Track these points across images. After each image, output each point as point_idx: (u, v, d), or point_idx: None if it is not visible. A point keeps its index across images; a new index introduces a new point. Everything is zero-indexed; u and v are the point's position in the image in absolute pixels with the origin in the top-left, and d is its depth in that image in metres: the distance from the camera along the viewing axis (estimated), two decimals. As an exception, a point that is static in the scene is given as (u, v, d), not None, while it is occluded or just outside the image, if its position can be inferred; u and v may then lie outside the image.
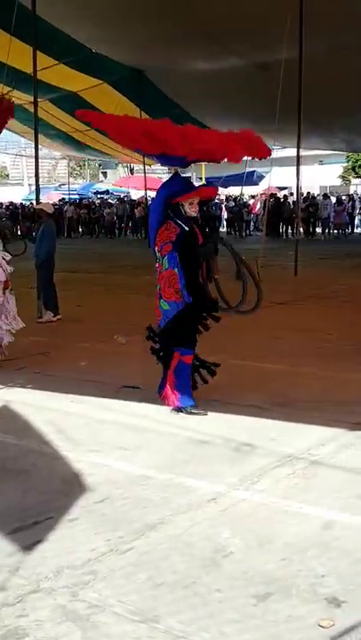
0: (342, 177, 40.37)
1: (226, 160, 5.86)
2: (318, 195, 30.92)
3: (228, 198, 33.51)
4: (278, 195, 31.41)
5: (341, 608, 2.82)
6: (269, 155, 6.21)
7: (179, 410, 5.50)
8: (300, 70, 13.71)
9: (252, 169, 29.98)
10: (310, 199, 29.32)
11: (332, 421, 5.19)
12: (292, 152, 16.31)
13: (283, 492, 3.97)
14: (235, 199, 32.31)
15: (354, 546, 3.31)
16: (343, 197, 30.19)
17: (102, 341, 8.23)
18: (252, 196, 34.69)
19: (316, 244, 24.83)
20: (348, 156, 37.23)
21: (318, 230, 28.99)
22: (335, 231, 29.18)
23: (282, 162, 25.58)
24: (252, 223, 32.02)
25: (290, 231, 27.83)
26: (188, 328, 5.56)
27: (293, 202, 25.59)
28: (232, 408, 5.53)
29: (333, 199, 29.29)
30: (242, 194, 32.44)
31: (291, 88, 13.42)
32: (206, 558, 3.23)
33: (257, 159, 6.20)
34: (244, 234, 30.59)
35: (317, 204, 28.93)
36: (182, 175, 5.94)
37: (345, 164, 39.11)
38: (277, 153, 23.50)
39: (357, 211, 29.88)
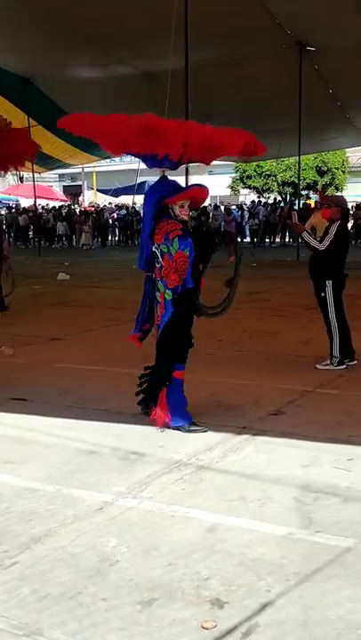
0: (231, 187, 41.26)
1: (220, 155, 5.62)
2: (213, 205, 31.56)
3: (119, 207, 33.59)
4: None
5: (224, 609, 2.88)
6: (264, 151, 5.71)
7: (172, 428, 5.23)
8: (187, 80, 13.96)
9: (142, 179, 30.17)
10: (201, 209, 29.80)
11: (220, 426, 5.29)
12: (181, 162, 16.58)
13: (170, 498, 4.02)
14: (126, 207, 32.43)
15: (237, 547, 3.39)
16: (233, 207, 30.91)
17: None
18: (144, 206, 34.89)
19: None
20: (236, 167, 38.11)
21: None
22: (225, 240, 29.75)
23: (172, 172, 25.89)
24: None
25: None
26: (182, 338, 5.31)
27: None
28: (120, 417, 5.54)
29: (222, 208, 29.96)
30: (134, 203, 32.62)
31: (178, 97, 13.65)
32: (92, 568, 3.22)
33: (247, 158, 5.72)
34: (136, 242, 30.67)
35: (209, 213, 29.48)
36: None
37: (233, 175, 40.01)
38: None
39: (246, 220, 30.65)
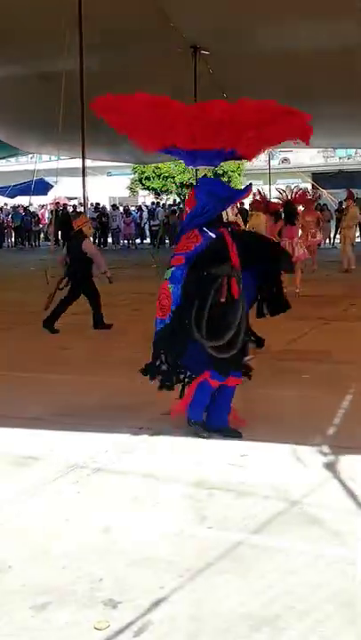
0: (130, 188, 41.29)
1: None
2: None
3: (15, 208, 32.96)
4: (68, 205, 31.55)
5: (117, 609, 2.90)
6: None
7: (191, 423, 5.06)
8: (82, 82, 13.87)
9: (39, 177, 29.74)
10: (101, 209, 29.74)
11: (116, 427, 5.29)
12: (79, 163, 16.47)
13: (64, 501, 3.99)
14: (25, 209, 31.89)
15: (130, 547, 3.41)
16: (132, 208, 30.96)
17: None
18: (42, 206, 34.43)
19: (108, 253, 25.16)
20: (134, 168, 38.16)
21: (110, 240, 29.51)
22: (125, 241, 29.82)
23: (70, 172, 25.70)
24: (41, 234, 31.83)
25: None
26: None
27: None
28: (14, 421, 5.44)
29: (122, 209, 30.00)
30: (30, 204, 32.11)
31: (74, 99, 13.55)
32: (-17, 576, 3.17)
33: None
34: (32, 244, 30.34)
35: (108, 214, 29.43)
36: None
37: (132, 176, 40.05)
38: (65, 163, 23.57)
39: (145, 221, 30.78)
